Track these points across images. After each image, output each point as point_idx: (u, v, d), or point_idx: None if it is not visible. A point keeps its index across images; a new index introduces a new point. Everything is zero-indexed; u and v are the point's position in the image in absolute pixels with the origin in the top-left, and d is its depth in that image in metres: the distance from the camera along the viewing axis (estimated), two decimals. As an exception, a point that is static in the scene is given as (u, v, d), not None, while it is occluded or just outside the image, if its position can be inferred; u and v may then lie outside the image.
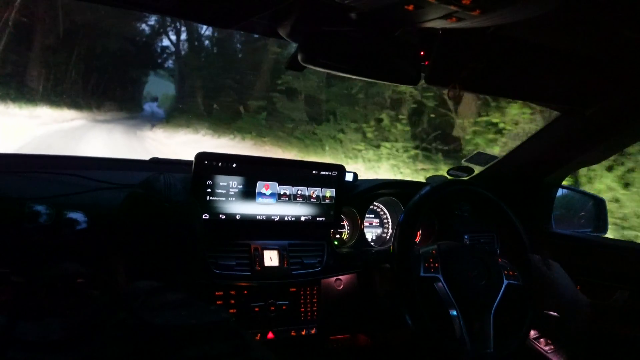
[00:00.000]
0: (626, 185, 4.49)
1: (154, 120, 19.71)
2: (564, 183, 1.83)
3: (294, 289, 1.38)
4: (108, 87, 20.42)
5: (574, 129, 1.47)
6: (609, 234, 1.91)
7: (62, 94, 16.13)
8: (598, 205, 1.91)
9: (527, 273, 1.27)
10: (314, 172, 1.42)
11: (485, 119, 6.86)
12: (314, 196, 1.43)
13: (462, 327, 1.17)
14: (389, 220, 1.74)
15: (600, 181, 4.64)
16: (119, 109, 21.13)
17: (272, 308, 1.33)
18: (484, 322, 1.19)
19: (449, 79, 1.14)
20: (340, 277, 1.48)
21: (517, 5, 0.77)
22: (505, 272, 1.25)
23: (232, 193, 1.31)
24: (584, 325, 1.17)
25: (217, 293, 1.26)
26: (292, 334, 1.37)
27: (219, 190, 1.29)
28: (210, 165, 1.27)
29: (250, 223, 1.35)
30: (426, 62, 1.11)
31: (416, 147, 8.34)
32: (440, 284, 1.22)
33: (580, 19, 0.90)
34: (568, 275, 1.30)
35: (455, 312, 1.19)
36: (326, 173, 1.44)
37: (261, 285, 1.33)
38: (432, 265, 1.24)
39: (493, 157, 1.77)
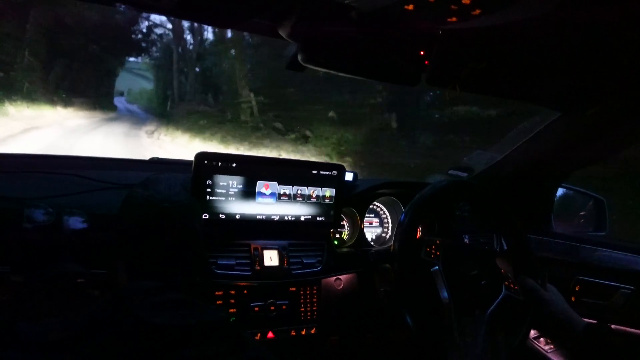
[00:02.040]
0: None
1: (150, 125, 14.35)
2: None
3: (294, 289, 1.38)
4: (80, 79, 13.49)
5: (574, 128, 1.47)
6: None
7: (11, 86, 9.57)
8: (598, 205, 1.91)
9: (527, 289, 1.26)
10: (313, 171, 1.42)
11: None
12: (314, 196, 1.43)
13: (453, 317, 1.16)
14: (389, 220, 1.73)
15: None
16: (92, 108, 14.31)
17: (272, 308, 1.33)
18: (476, 321, 1.18)
19: (449, 79, 1.14)
20: (340, 277, 1.48)
21: (517, 5, 0.77)
22: (506, 283, 1.25)
23: (232, 193, 1.31)
24: (577, 346, 1.17)
25: (217, 293, 1.26)
26: (292, 333, 1.37)
27: (219, 190, 1.29)
28: (210, 165, 1.27)
29: (250, 223, 1.35)
30: (426, 62, 1.11)
31: None
32: (437, 269, 1.21)
33: (580, 19, 0.90)
34: (567, 274, 1.30)
35: (446, 295, 1.18)
36: (326, 173, 1.44)
37: (261, 285, 1.32)
38: (433, 251, 1.24)
39: (493, 156, 1.77)
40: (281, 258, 1.38)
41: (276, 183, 1.36)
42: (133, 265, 0.88)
